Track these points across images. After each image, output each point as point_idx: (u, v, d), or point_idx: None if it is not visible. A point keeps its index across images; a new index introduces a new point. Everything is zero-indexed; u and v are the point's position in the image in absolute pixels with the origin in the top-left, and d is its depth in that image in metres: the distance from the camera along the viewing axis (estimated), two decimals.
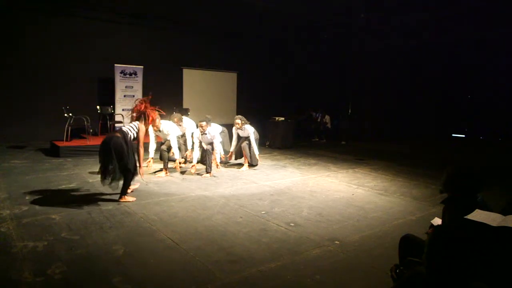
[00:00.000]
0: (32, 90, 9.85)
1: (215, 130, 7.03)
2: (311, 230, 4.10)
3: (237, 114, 7.75)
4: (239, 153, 7.61)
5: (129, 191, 5.24)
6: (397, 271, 2.21)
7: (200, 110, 11.57)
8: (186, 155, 7.04)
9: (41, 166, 7.03)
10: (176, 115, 7.01)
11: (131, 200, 4.99)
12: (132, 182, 5.13)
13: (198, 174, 6.77)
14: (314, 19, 12.85)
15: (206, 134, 6.85)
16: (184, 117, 7.21)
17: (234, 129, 7.48)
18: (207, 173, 6.71)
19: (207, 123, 6.83)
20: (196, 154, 6.88)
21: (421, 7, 11.20)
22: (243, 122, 7.36)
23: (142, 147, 5.16)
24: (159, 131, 6.51)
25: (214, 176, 6.69)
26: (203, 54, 12.70)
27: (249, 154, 7.44)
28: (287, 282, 2.95)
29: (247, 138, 7.43)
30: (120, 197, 4.95)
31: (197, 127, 6.96)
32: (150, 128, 6.37)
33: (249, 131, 7.36)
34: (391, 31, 13.02)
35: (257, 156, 7.47)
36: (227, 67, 13.43)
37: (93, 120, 9.76)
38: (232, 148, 7.50)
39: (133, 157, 5.02)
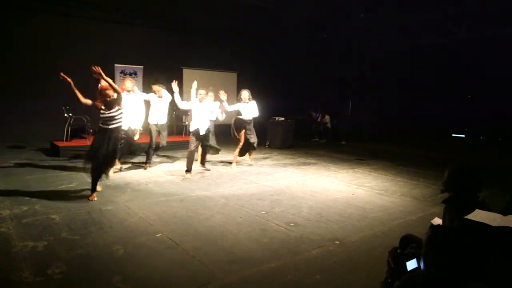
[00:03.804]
0: (32, 90, 9.84)
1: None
2: (311, 230, 4.10)
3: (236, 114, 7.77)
4: (245, 150, 7.64)
5: (99, 188, 5.29)
6: (391, 259, 2.18)
7: None
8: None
9: (41, 166, 7.03)
10: (159, 84, 7.01)
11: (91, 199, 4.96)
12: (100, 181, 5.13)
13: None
14: (314, 19, 12.84)
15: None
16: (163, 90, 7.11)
17: (239, 105, 7.46)
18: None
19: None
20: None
21: (421, 7, 11.20)
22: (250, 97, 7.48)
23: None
24: (130, 91, 6.53)
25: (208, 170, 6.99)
26: (203, 54, 12.70)
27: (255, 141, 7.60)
28: (287, 282, 2.95)
29: (249, 123, 7.44)
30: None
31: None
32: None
33: (254, 103, 7.48)
34: (392, 31, 13.02)
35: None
36: (227, 67, 13.43)
37: (93, 120, 9.75)
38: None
39: (100, 151, 4.91)
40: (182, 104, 6.65)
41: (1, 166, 6.93)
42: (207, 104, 6.65)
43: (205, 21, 12.07)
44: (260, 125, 7.96)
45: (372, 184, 6.38)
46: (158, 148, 7.24)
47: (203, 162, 7.17)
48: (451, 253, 1.64)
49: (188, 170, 6.50)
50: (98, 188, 5.16)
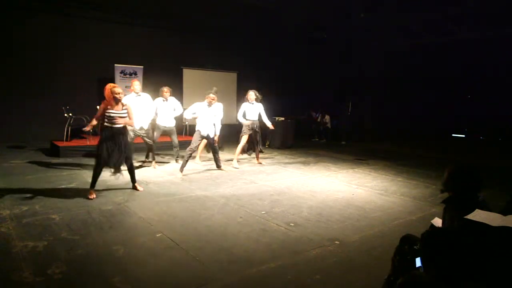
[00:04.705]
0: (32, 90, 9.84)
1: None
2: (311, 230, 4.10)
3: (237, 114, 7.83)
4: (251, 146, 7.77)
5: (140, 188, 5.44)
6: (397, 257, 2.19)
7: None
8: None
9: (41, 166, 7.03)
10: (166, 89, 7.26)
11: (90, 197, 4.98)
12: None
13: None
14: (314, 19, 12.84)
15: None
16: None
17: (245, 105, 7.62)
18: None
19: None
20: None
21: (421, 7, 11.21)
22: (257, 97, 7.63)
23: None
24: (138, 93, 6.70)
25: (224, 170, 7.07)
26: (203, 54, 12.68)
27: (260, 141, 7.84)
28: (287, 282, 2.95)
29: (255, 123, 7.62)
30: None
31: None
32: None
33: (260, 105, 7.71)
34: (392, 31, 13.02)
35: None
36: (227, 67, 13.41)
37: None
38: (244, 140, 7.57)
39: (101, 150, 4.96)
40: (189, 114, 6.76)
41: (1, 166, 6.93)
42: (214, 107, 6.75)
43: (205, 21, 12.06)
44: (261, 125, 7.97)
45: (372, 184, 6.38)
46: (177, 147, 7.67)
47: (218, 165, 7.15)
48: (445, 256, 1.64)
49: (182, 170, 6.55)
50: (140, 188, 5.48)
